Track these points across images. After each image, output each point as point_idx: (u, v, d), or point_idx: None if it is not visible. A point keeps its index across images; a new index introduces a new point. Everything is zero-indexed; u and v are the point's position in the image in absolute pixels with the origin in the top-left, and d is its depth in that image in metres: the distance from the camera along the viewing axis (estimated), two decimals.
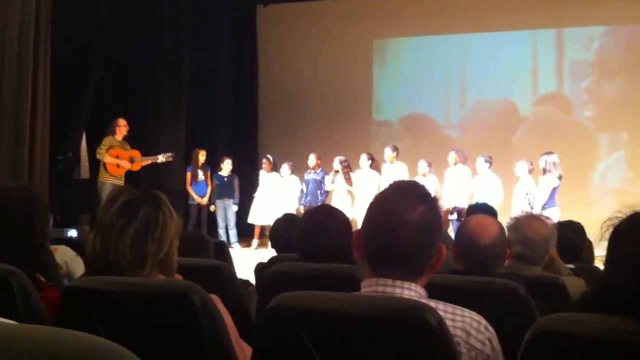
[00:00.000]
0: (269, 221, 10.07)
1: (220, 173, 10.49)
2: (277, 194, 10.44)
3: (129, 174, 8.70)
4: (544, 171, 8.31)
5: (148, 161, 8.85)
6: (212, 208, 10.44)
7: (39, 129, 7.37)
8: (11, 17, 7.02)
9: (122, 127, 8.67)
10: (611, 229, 1.42)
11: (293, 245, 3.08)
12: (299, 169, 10.48)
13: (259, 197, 10.55)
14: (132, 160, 8.66)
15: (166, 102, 10.30)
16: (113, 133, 8.62)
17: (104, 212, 1.88)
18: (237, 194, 10.55)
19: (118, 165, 8.56)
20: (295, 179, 10.43)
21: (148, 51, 9.88)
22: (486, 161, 9.21)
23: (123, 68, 9.46)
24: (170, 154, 8.97)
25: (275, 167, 10.58)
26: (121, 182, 8.48)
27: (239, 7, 12.10)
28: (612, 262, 1.39)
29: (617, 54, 10.75)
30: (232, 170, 10.54)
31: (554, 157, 8.31)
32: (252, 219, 10.55)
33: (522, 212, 3.21)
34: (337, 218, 2.90)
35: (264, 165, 10.60)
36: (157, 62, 10.07)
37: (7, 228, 2.06)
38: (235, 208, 10.50)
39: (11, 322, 0.86)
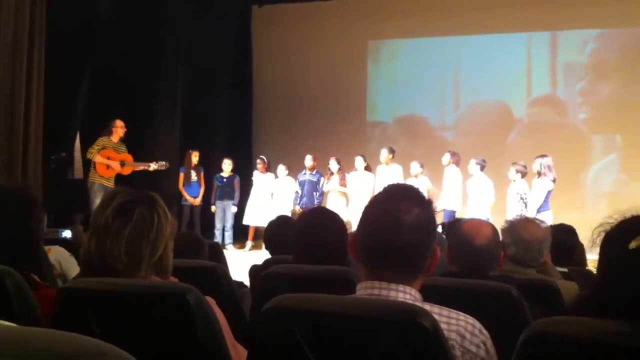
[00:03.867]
0: (264, 222, 10.12)
1: (221, 174, 10.48)
2: (272, 195, 10.44)
3: (121, 176, 8.64)
4: (539, 174, 8.33)
5: (140, 167, 8.75)
6: (212, 209, 10.42)
7: (32, 128, 7.34)
8: (5, 16, 7.00)
9: (119, 129, 8.61)
10: (602, 235, 1.43)
11: (287, 246, 3.08)
12: (293, 169, 10.49)
13: (253, 198, 10.54)
14: (122, 164, 8.59)
15: (161, 102, 10.28)
16: (109, 134, 8.57)
17: (99, 213, 1.87)
18: (237, 194, 10.53)
19: (108, 167, 8.50)
20: (291, 180, 10.43)
21: (143, 51, 9.85)
22: (477, 163, 9.23)
23: (118, 68, 9.42)
24: (164, 162, 8.90)
25: (269, 168, 10.58)
26: (110, 184, 8.42)
27: (234, 7, 12.08)
28: (603, 266, 1.40)
29: (611, 57, 10.79)
30: (233, 171, 10.54)
31: (548, 160, 8.33)
32: (246, 220, 10.54)
33: (517, 215, 3.23)
34: (332, 220, 2.91)
35: (258, 166, 10.60)
36: (151, 63, 10.04)
37: (2, 227, 2.06)
38: (234, 209, 10.48)
39: (9, 324, 0.86)
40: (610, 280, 1.31)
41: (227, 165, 10.47)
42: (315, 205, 9.49)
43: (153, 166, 8.79)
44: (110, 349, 0.75)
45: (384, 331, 1.38)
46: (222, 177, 10.47)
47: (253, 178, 10.63)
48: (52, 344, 0.72)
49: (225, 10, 11.78)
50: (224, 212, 10.46)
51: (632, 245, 1.28)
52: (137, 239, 1.83)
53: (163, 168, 8.91)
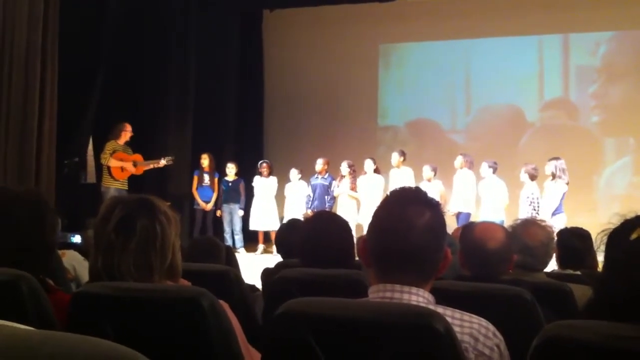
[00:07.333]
0: (268, 227, 10.20)
1: (226, 178, 10.52)
2: (279, 199, 10.49)
3: (134, 179, 8.72)
4: (554, 176, 8.29)
5: (150, 165, 8.88)
6: (218, 213, 10.46)
7: (45, 132, 7.38)
8: (19, 20, 7.04)
9: (127, 132, 8.70)
10: (605, 240, 1.43)
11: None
12: (305, 173, 10.49)
13: (255, 203, 10.57)
14: (135, 164, 8.70)
15: (173, 107, 10.31)
16: (117, 137, 8.63)
17: (101, 230, 1.85)
18: (242, 198, 10.55)
19: (122, 169, 8.57)
20: (303, 184, 10.45)
21: (154, 56, 9.89)
22: (490, 166, 9.19)
23: (130, 73, 9.47)
24: (170, 157, 9.00)
25: (272, 171, 10.58)
26: (125, 187, 8.50)
27: (246, 11, 12.11)
28: (606, 269, 1.40)
29: (624, 60, 10.74)
30: (238, 175, 10.57)
31: (562, 163, 8.31)
32: (252, 225, 10.56)
33: (518, 219, 3.18)
34: (334, 223, 2.93)
35: (263, 170, 10.56)
36: (163, 67, 10.08)
37: (16, 231, 2.06)
38: (241, 213, 10.50)
39: (29, 328, 0.87)
40: (614, 273, 1.31)
41: (230, 170, 10.52)
42: (326, 209, 9.51)
43: (163, 162, 8.90)
44: (127, 352, 0.75)
45: (397, 334, 1.38)
46: (227, 182, 10.51)
47: (253, 183, 10.62)
48: (69, 348, 0.73)
49: (236, 14, 11.80)
50: (231, 215, 10.50)
51: (634, 236, 1.28)
52: (145, 252, 1.82)
53: (171, 163, 9.02)
